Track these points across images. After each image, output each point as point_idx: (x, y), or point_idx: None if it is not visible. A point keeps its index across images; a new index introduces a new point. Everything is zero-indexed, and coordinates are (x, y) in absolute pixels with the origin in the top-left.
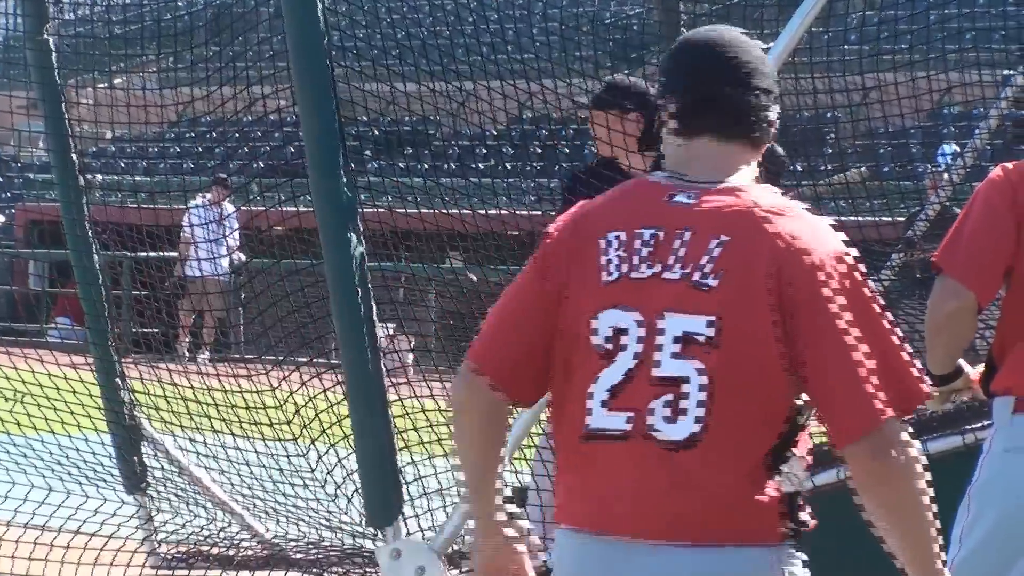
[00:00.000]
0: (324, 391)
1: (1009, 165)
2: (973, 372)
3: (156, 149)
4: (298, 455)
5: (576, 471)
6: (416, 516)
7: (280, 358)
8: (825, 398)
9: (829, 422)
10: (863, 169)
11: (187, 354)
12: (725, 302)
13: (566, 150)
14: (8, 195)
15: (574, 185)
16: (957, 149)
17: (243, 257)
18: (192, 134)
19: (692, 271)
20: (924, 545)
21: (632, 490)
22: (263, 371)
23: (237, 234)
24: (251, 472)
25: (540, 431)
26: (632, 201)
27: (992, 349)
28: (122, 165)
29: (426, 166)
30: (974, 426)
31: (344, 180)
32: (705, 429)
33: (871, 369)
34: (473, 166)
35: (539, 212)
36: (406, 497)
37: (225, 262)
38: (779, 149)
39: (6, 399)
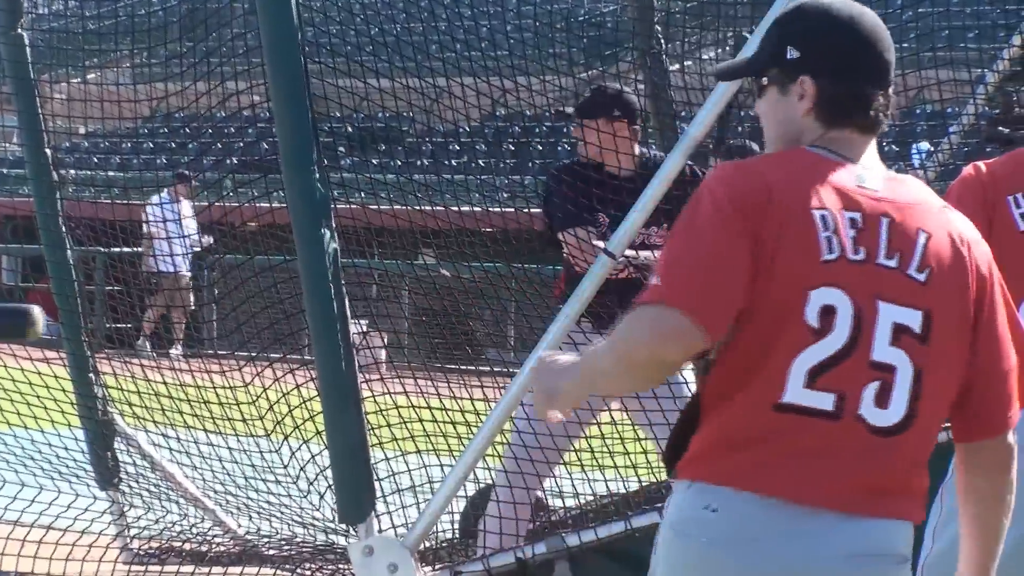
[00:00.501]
0: (297, 387)
1: (981, 164)
2: None
3: (129, 145)
4: (271, 451)
5: (762, 439)
6: (388, 513)
7: (253, 354)
8: (983, 390)
9: (976, 414)
10: None
11: (149, 350)
12: (935, 298)
13: (540, 147)
14: None
15: (559, 182)
16: (931, 148)
17: (204, 243)
18: (166, 130)
19: (903, 262)
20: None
21: (835, 467)
22: (236, 367)
23: (193, 227)
24: (224, 468)
25: (511, 428)
26: (822, 179)
27: None
28: (96, 160)
29: (399, 162)
30: None
31: (317, 176)
32: (908, 420)
33: (1016, 366)
34: (447, 163)
35: (512, 209)
36: (378, 494)
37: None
38: (755, 147)
39: None
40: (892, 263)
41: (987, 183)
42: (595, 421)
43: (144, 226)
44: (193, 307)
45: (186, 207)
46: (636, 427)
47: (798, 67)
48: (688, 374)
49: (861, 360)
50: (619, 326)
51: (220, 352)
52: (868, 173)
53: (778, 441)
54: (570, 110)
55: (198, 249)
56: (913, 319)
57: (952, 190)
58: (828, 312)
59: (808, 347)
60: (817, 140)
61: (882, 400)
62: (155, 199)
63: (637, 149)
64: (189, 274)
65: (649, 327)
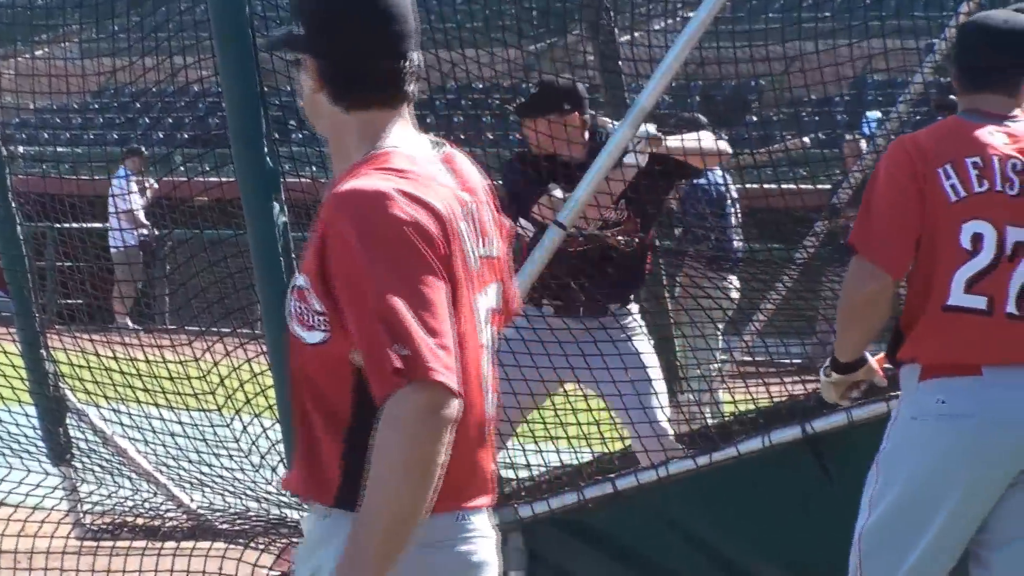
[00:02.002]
0: (248, 361)
1: (907, 138)
2: (874, 360)
3: (79, 120)
4: (223, 425)
5: None
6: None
7: (203, 329)
8: None
9: None
10: (806, 140)
11: (130, 324)
12: None
13: (490, 119)
14: None
15: (516, 172)
16: (881, 117)
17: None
18: (116, 105)
19: None
20: None
21: None
22: (187, 342)
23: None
24: (176, 443)
25: None
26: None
27: (900, 320)
28: (45, 136)
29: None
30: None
31: (266, 150)
32: None
33: None
34: None
35: None
36: None
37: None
38: (703, 119)
39: None
40: None
41: (915, 157)
42: (547, 393)
43: (111, 200)
44: (139, 280)
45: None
46: (599, 398)
47: None
48: (640, 344)
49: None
50: None
51: (171, 327)
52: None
53: None
54: (519, 105)
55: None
56: None
57: (881, 166)
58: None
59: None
60: None
61: None
62: (119, 173)
63: (587, 135)
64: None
65: None
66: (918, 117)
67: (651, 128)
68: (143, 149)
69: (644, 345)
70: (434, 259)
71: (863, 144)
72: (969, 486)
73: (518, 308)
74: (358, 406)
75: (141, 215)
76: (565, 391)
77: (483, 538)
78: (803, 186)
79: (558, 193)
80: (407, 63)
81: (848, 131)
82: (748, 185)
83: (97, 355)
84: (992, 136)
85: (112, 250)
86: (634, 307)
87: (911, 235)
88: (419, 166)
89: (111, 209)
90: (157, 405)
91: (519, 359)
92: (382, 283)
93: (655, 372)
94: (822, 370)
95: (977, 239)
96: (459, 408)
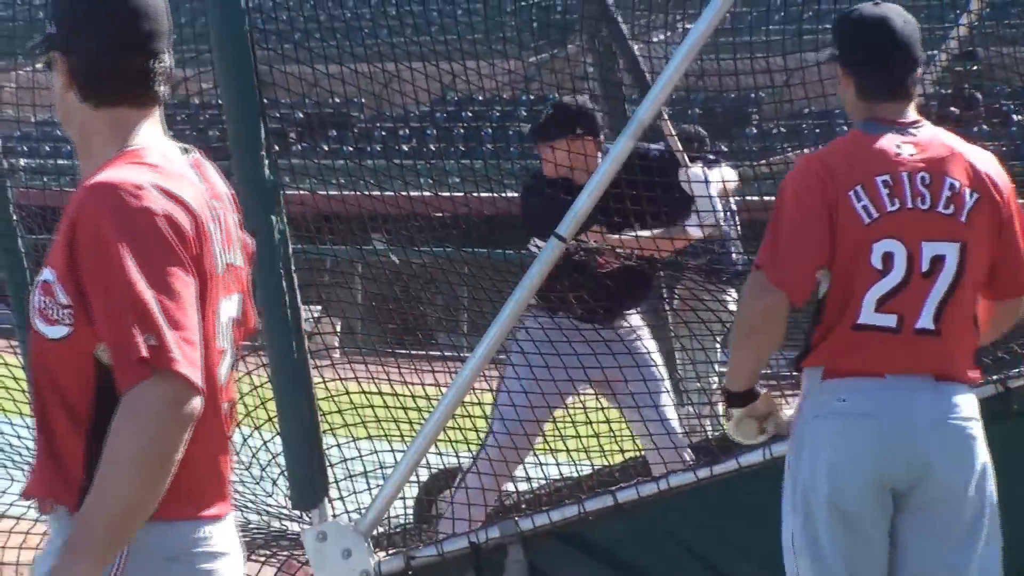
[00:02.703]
0: (248, 373)
1: (815, 160)
2: (769, 395)
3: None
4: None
5: None
6: (341, 499)
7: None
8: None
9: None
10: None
11: None
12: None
13: (489, 130)
14: None
15: (536, 191)
16: None
17: None
18: None
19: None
20: None
21: None
22: None
23: None
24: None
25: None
26: None
27: (812, 337)
28: (47, 149)
29: (350, 148)
30: None
31: (266, 162)
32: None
33: None
34: (397, 148)
35: (462, 194)
36: (331, 480)
37: None
38: (702, 131)
39: None
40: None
41: (826, 182)
42: (561, 405)
43: None
44: None
45: None
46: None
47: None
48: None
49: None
50: None
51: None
52: None
53: None
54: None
55: None
56: None
57: (789, 187)
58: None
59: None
60: None
61: None
62: None
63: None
64: None
65: None
66: None
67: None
68: None
69: (653, 345)
70: (185, 254)
71: None
72: (872, 483)
73: (256, 326)
74: (101, 404)
75: None
76: (565, 404)
77: (223, 554)
78: None
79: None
80: (157, 63)
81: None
82: (748, 197)
83: None
84: (900, 149)
85: None
86: (636, 318)
87: (814, 262)
88: (172, 164)
89: None
90: None
91: (535, 371)
92: (132, 273)
93: (664, 383)
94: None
95: (888, 258)
96: (200, 405)
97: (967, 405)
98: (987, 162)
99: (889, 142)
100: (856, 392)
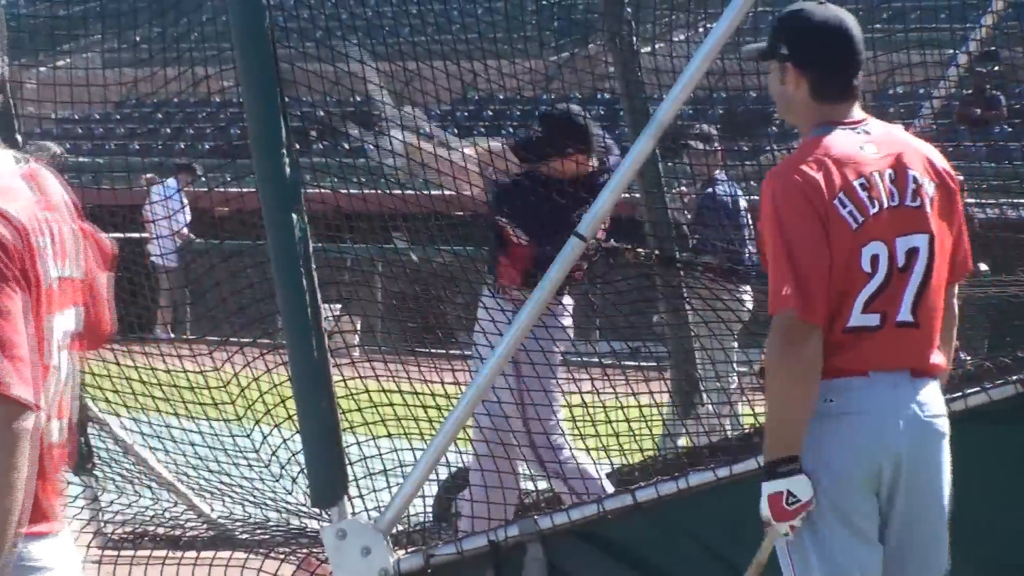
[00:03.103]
0: (268, 371)
1: (791, 174)
2: None
3: (102, 130)
4: (243, 435)
5: None
6: (361, 497)
7: (225, 338)
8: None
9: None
10: None
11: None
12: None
13: (512, 129)
14: None
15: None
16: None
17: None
18: (137, 115)
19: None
20: None
21: None
22: (207, 352)
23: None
24: (196, 453)
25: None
26: None
27: None
28: (67, 146)
29: (371, 146)
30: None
31: (287, 160)
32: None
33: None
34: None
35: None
36: (350, 478)
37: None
38: (713, 132)
39: None
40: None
41: (811, 195)
42: (565, 403)
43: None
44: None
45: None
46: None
47: None
48: None
49: None
50: None
51: (191, 337)
52: None
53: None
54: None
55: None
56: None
57: (783, 211)
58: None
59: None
60: None
61: None
62: (168, 187)
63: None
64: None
65: None
66: (937, 129)
67: None
68: (195, 165)
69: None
70: (11, 270)
71: None
72: (865, 481)
73: (111, 333)
74: None
75: (186, 231)
76: (584, 402)
77: (47, 570)
78: None
79: None
80: None
81: None
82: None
83: (118, 364)
84: (863, 149)
85: (154, 259)
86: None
87: (827, 277)
88: None
89: (151, 217)
90: (177, 415)
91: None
92: None
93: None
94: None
95: (875, 260)
96: (36, 421)
97: (939, 401)
98: (935, 152)
99: (852, 144)
100: (842, 392)
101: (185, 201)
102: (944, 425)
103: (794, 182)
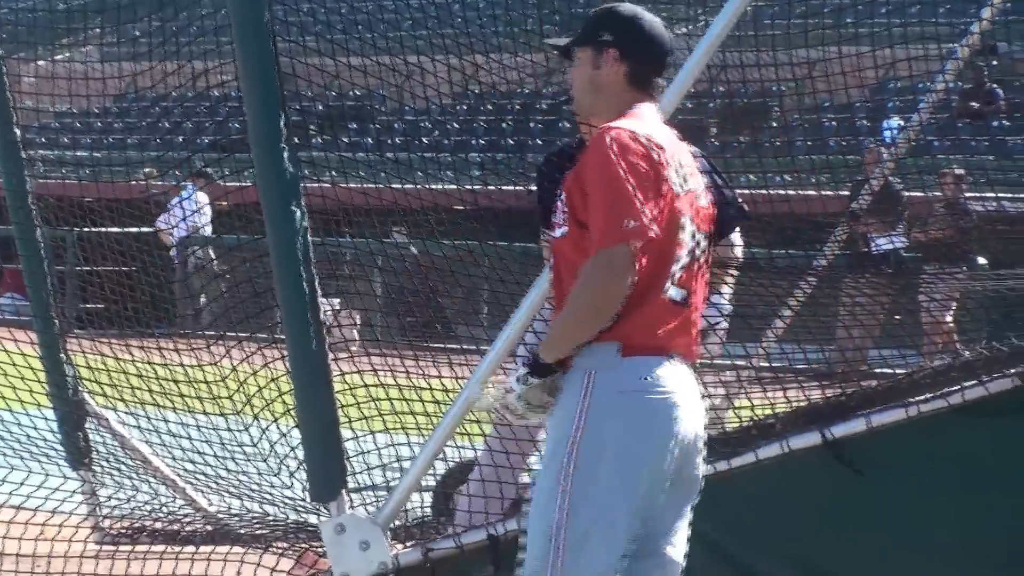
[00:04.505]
0: (267, 364)
1: (626, 132)
2: None
3: (101, 124)
4: (240, 429)
5: None
6: (360, 491)
7: (224, 332)
8: None
9: None
10: None
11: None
12: None
13: (512, 122)
14: None
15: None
16: (902, 123)
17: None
18: (136, 109)
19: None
20: None
21: None
22: (204, 346)
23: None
24: (194, 447)
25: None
26: None
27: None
28: (66, 140)
29: (371, 140)
30: (918, 399)
31: (287, 155)
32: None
33: None
34: (418, 141)
35: (483, 186)
36: (349, 472)
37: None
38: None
39: None
40: None
41: (650, 148)
42: None
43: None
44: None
45: (202, 197)
46: None
47: None
48: None
49: None
50: None
51: (204, 332)
52: None
53: None
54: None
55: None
56: None
57: (607, 157)
58: None
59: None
60: None
61: None
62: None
63: None
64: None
65: None
66: (936, 123)
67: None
68: (211, 171)
69: None
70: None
71: (883, 152)
72: (668, 462)
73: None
74: None
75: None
76: None
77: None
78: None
79: None
80: None
81: (869, 136)
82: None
83: (116, 358)
84: (671, 135)
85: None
86: None
87: (661, 207)
88: None
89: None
90: (175, 409)
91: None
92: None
93: None
94: (517, 378)
95: (688, 234)
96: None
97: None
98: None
99: (663, 128)
100: (655, 370)
101: (203, 203)
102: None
103: (633, 134)
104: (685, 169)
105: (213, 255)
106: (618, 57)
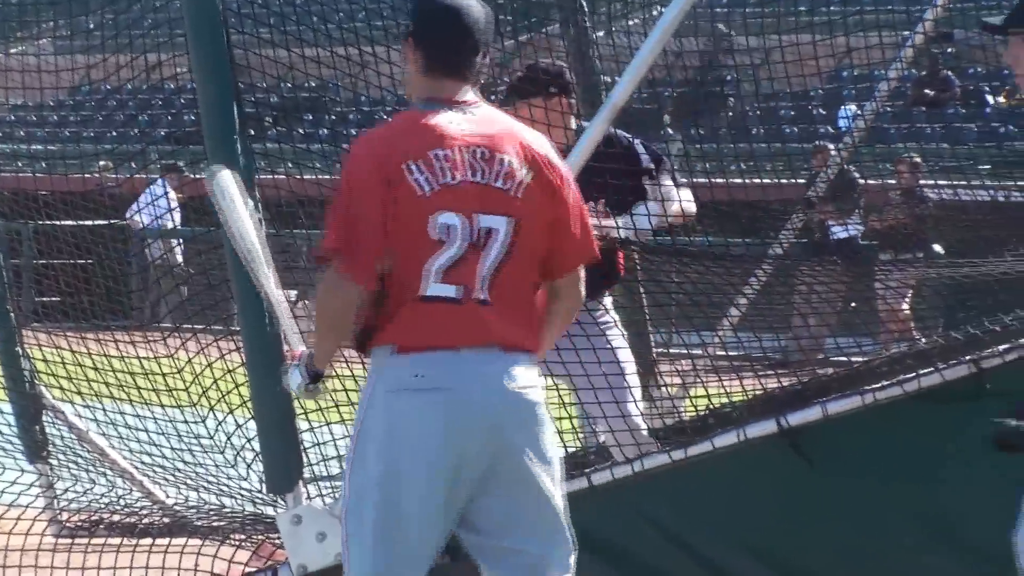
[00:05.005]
0: (222, 357)
1: (366, 139)
2: None
3: (56, 118)
4: (196, 421)
5: None
6: (316, 482)
7: (179, 325)
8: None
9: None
10: None
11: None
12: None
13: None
14: None
15: None
16: (857, 111)
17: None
18: (91, 102)
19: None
20: None
21: None
22: (160, 339)
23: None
24: (151, 439)
25: None
26: None
27: (379, 316)
28: (21, 134)
29: (326, 131)
30: (874, 386)
31: (240, 147)
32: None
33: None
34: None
35: None
36: (305, 463)
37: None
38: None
39: None
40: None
41: (382, 158)
42: None
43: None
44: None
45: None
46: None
47: None
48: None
49: None
50: None
51: (160, 325)
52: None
53: None
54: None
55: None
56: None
57: (344, 170)
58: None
59: None
60: None
61: None
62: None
63: (574, 123)
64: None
65: None
66: (892, 111)
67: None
68: (182, 165)
69: (618, 340)
70: None
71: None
72: (443, 460)
73: None
74: None
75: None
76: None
77: None
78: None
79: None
80: None
81: (824, 125)
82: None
83: (72, 351)
84: (456, 125)
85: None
86: (607, 301)
87: (379, 243)
88: None
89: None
90: (132, 402)
91: None
92: None
93: (629, 367)
94: (300, 385)
95: (448, 230)
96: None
97: (530, 374)
98: (542, 144)
99: (445, 119)
100: (431, 367)
101: (173, 199)
102: (536, 395)
103: (367, 147)
104: (479, 161)
105: (179, 248)
106: (412, 46)
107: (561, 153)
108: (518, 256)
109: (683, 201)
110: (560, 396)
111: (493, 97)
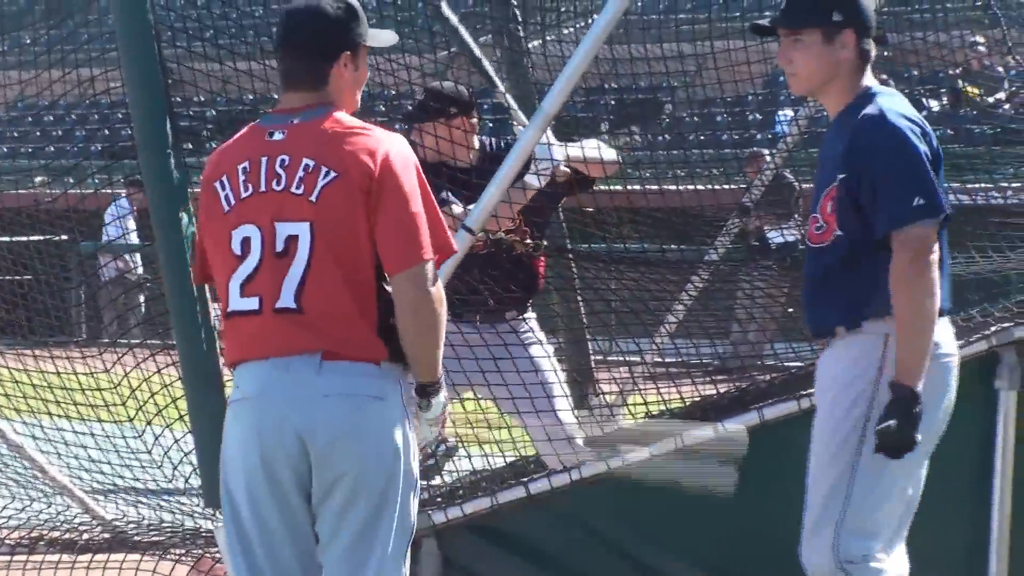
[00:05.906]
0: (159, 371)
1: (211, 157)
2: None
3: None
4: (134, 437)
5: None
6: None
7: (114, 340)
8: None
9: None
10: None
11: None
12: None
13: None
14: None
15: None
16: (793, 114)
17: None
18: (30, 119)
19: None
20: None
21: None
22: (96, 354)
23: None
24: (89, 456)
25: None
26: None
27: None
28: None
29: None
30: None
31: (174, 160)
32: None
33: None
34: None
35: None
36: None
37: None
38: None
39: None
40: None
41: (208, 173)
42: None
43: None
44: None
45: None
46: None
47: None
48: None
49: None
50: None
51: (100, 340)
52: None
53: None
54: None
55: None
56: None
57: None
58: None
59: None
60: None
61: None
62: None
63: (476, 141)
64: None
65: None
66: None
67: (556, 152)
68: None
69: (540, 352)
70: None
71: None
72: (255, 468)
73: None
74: None
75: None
76: (476, 396)
77: None
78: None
79: (457, 209)
80: None
81: (761, 130)
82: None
83: (8, 368)
84: (271, 135)
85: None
86: (531, 315)
87: (203, 256)
88: None
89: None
90: (69, 418)
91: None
92: None
93: (552, 377)
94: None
95: (245, 243)
96: None
97: (354, 381)
98: (376, 148)
99: (262, 131)
100: (241, 378)
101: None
102: (358, 403)
103: (205, 165)
104: (281, 169)
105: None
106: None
107: (468, 172)
108: (328, 261)
109: (590, 148)
110: (498, 406)
111: (400, 117)
